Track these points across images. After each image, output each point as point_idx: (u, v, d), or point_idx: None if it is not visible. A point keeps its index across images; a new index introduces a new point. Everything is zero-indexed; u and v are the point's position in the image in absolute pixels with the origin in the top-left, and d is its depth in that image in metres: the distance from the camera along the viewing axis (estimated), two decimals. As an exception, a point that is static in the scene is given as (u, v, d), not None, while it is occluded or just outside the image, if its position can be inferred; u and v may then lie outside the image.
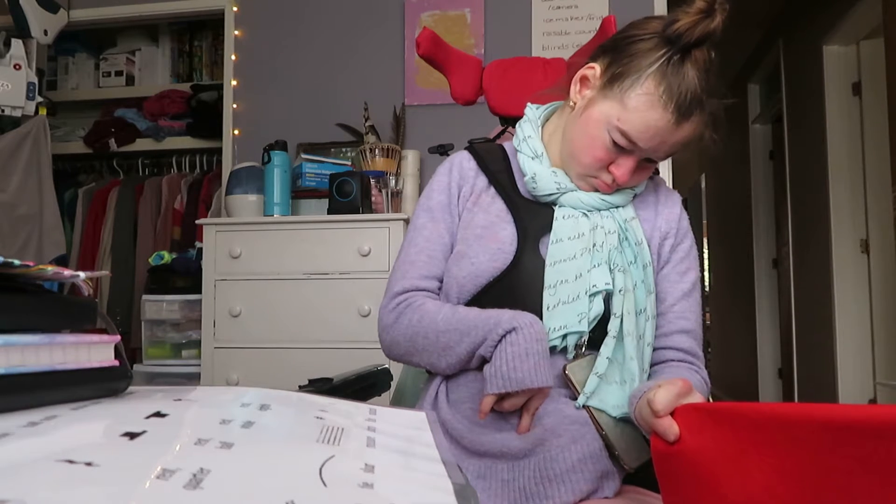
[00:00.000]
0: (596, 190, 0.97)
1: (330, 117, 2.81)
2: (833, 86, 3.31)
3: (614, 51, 0.94)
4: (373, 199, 2.36)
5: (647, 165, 0.95)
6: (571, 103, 0.98)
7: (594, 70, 0.95)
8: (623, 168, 0.92)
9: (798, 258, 3.83)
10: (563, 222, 0.95)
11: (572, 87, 0.98)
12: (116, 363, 0.50)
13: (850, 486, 0.58)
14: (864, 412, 0.56)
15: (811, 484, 0.60)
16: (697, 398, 0.74)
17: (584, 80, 0.97)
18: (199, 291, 2.39)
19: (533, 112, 1.06)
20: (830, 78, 3.32)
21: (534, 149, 1.00)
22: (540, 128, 1.04)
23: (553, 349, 0.89)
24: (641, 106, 0.88)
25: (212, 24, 3.37)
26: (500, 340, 0.85)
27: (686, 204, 1.15)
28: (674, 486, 0.72)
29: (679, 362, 0.97)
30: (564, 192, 0.97)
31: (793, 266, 3.90)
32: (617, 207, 0.98)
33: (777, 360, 4.44)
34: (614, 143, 0.91)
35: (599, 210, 0.97)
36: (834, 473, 0.59)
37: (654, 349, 0.96)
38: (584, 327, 0.89)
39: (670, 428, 0.70)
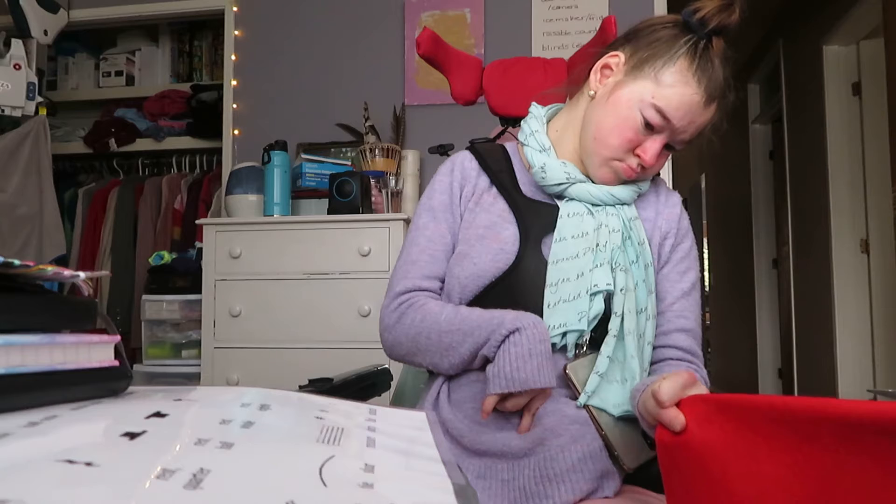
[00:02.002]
0: (618, 177, 0.97)
1: (330, 117, 2.81)
2: (833, 86, 3.31)
3: (636, 39, 0.97)
4: (373, 199, 2.35)
5: (665, 153, 0.97)
6: (591, 92, 1.00)
7: (618, 57, 0.98)
8: (650, 150, 0.94)
9: (798, 258, 3.83)
10: (568, 220, 0.96)
11: (592, 76, 1.00)
12: (116, 363, 0.49)
13: (864, 483, 0.57)
14: (879, 408, 0.55)
15: (824, 480, 0.59)
16: (702, 390, 0.74)
17: (605, 67, 0.99)
18: (199, 291, 2.39)
19: (538, 110, 1.07)
20: (830, 78, 3.32)
21: (541, 142, 1.01)
22: (545, 125, 1.05)
23: (553, 347, 0.89)
24: (677, 82, 0.91)
25: (212, 24, 3.37)
26: (503, 341, 0.86)
27: (686, 204, 1.16)
28: (678, 479, 0.71)
29: (678, 361, 0.97)
30: (574, 183, 0.98)
31: (793, 266, 3.90)
32: (623, 204, 0.99)
33: (777, 360, 4.44)
34: (646, 122, 0.93)
35: (606, 205, 0.98)
36: (847, 470, 0.58)
37: (654, 348, 0.96)
38: (584, 326, 0.90)
39: (676, 418, 0.70)
